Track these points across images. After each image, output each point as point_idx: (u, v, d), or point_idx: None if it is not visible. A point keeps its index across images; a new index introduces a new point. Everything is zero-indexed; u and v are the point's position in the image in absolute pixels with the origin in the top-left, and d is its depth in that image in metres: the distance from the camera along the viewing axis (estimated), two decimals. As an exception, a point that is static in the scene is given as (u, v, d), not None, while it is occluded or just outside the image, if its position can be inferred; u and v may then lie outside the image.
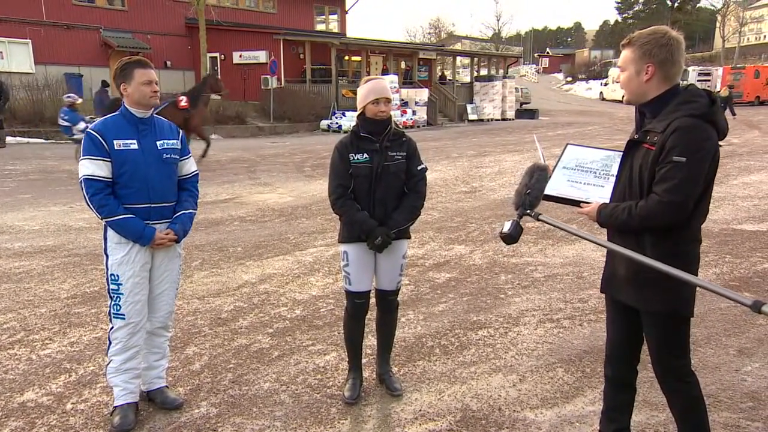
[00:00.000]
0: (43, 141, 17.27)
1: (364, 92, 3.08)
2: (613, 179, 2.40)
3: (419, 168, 3.18)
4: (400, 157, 3.12)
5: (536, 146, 2.60)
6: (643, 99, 2.25)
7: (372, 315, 3.37)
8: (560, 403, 3.21)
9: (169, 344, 3.29)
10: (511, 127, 25.17)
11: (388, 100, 3.07)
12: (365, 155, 3.07)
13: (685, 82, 2.31)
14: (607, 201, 2.39)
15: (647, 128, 2.25)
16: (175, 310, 3.47)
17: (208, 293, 5.01)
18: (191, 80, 26.79)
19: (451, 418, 3.06)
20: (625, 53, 2.25)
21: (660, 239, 2.21)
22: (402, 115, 24.46)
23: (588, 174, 2.45)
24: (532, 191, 2.29)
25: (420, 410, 3.15)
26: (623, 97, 2.37)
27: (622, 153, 2.41)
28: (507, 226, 2.27)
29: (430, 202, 8.89)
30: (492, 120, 30.29)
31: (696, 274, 2.24)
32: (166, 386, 3.25)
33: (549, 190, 2.40)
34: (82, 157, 2.86)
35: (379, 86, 3.08)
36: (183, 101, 12.44)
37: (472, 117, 29.72)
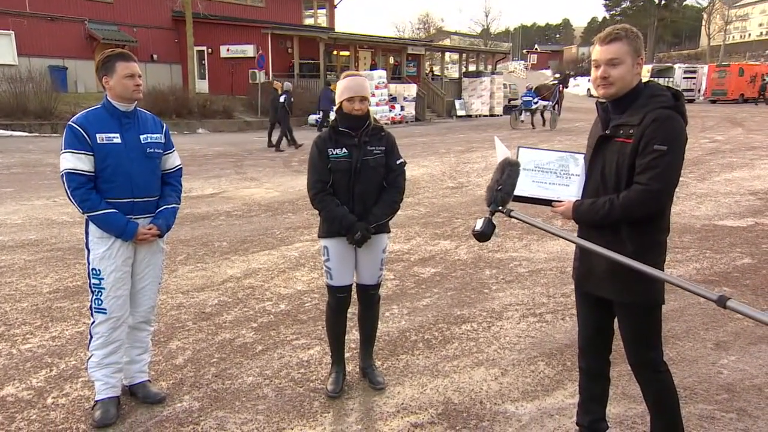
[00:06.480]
0: (26, 134, 17.06)
1: (341, 88, 3.07)
2: (575, 179, 2.42)
3: (398, 162, 3.19)
4: (378, 152, 3.12)
5: (497, 146, 2.54)
6: (624, 92, 2.27)
7: (355, 309, 3.39)
8: (541, 396, 3.26)
9: (151, 338, 3.28)
10: (498, 123, 25.23)
11: (363, 99, 3.04)
12: (344, 150, 3.06)
13: (651, 79, 2.34)
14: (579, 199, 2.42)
15: (618, 122, 2.28)
16: (159, 304, 3.46)
17: (193, 288, 5.00)
18: (178, 73, 26.62)
19: (433, 411, 3.09)
20: (619, 47, 2.23)
21: (638, 231, 2.25)
22: (390, 111, 24.46)
23: (549, 174, 2.45)
24: (504, 187, 2.27)
25: (402, 403, 3.17)
26: (599, 91, 2.33)
27: (576, 153, 2.44)
28: (479, 224, 2.25)
29: (417, 197, 8.92)
30: (480, 116, 30.36)
31: (664, 262, 2.34)
32: (149, 380, 3.24)
33: (518, 191, 2.36)
34: (63, 150, 2.83)
35: (354, 84, 3.06)
36: (561, 87, 23.59)
37: (460, 113, 29.75)
